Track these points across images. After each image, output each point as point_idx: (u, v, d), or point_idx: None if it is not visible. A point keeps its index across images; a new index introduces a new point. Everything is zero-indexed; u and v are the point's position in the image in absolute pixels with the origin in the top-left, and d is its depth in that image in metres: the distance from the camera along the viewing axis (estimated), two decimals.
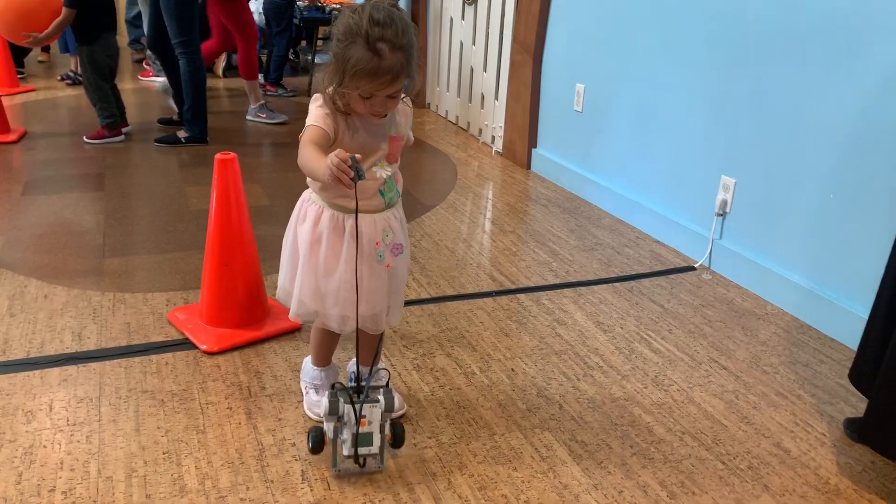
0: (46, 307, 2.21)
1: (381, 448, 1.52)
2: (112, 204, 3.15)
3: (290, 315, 1.61)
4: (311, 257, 1.54)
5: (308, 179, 1.52)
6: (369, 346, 1.68)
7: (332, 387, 1.50)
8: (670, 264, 2.79)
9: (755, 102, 2.52)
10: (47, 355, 1.96)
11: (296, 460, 1.60)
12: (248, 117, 4.78)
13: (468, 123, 4.70)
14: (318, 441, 1.53)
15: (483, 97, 4.43)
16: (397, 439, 1.57)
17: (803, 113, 2.34)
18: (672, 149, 2.94)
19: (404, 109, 1.55)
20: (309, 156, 1.36)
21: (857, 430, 1.73)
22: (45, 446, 1.60)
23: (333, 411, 1.46)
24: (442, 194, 3.49)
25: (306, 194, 1.58)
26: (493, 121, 4.31)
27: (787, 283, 2.44)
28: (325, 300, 1.56)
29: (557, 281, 2.61)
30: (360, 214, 1.43)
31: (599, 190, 3.37)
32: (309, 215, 1.54)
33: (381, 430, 1.50)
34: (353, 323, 1.54)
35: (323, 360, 1.77)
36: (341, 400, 1.46)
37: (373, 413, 1.47)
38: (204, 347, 2.01)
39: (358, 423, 1.46)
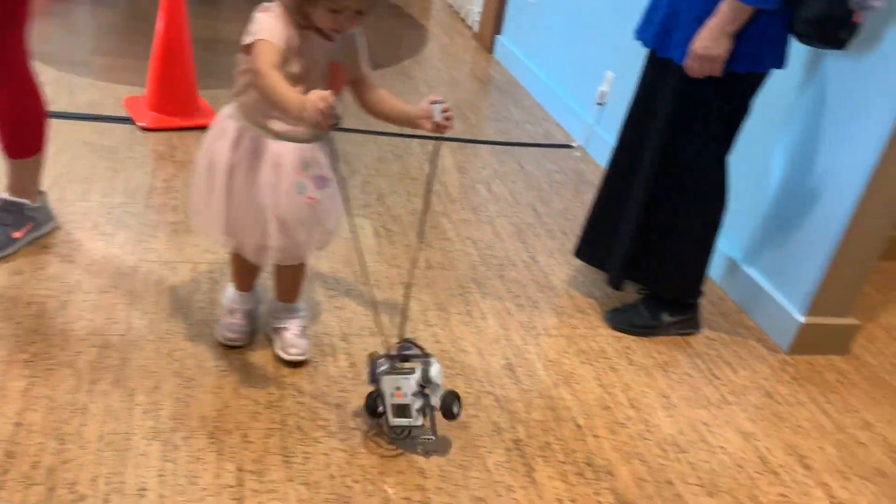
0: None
1: (430, 418, 1.50)
2: (118, 16, 3.77)
3: (209, 242, 1.63)
4: (227, 182, 1.48)
5: (237, 89, 1.47)
6: (289, 278, 1.70)
7: (371, 356, 1.53)
8: (555, 141, 3.30)
9: None
10: None
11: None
12: None
13: (461, 6, 5.13)
14: (373, 409, 1.52)
15: None
16: (447, 410, 1.49)
17: None
18: (582, 41, 3.39)
19: (351, 41, 1.50)
20: (280, 89, 1.29)
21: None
22: None
23: (372, 380, 1.50)
24: (397, 59, 4.00)
25: (227, 109, 1.51)
26: (476, 4, 4.74)
27: None
28: (240, 229, 1.53)
29: (451, 135, 3.15)
30: (282, 141, 1.43)
31: (532, 77, 3.85)
32: (228, 134, 1.47)
33: (424, 400, 1.47)
34: (269, 253, 1.54)
35: (244, 284, 1.72)
36: (377, 369, 1.49)
37: (407, 384, 1.45)
38: (141, 124, 2.66)
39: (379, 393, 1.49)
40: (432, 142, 3.13)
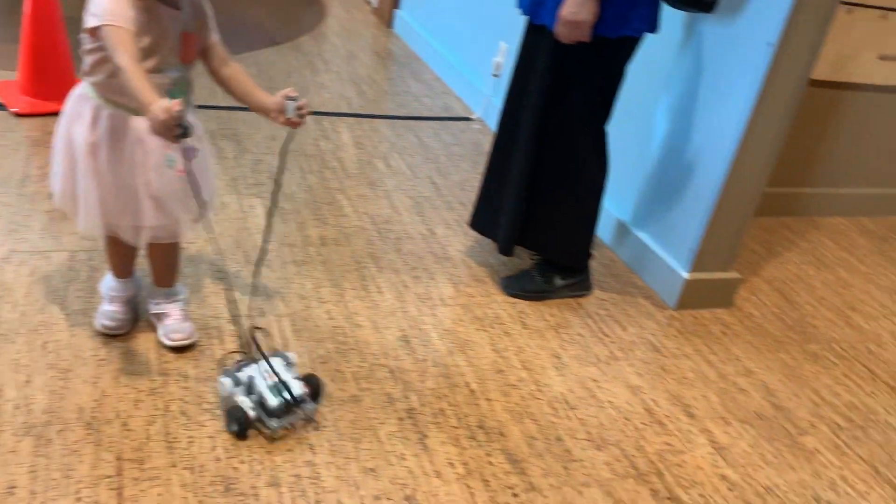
0: None
1: (309, 397, 1.51)
2: None
3: (81, 228, 1.50)
4: (91, 164, 1.41)
5: (85, 69, 1.42)
6: (163, 261, 1.66)
7: (225, 365, 1.53)
8: (453, 113, 3.31)
9: None
10: None
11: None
12: None
13: None
14: (241, 422, 1.44)
15: None
16: (315, 391, 1.54)
17: None
18: (478, 13, 3.39)
19: (199, 7, 1.44)
20: (138, 88, 1.21)
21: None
22: None
23: (238, 382, 1.46)
24: (294, 35, 3.92)
25: (80, 88, 1.44)
26: None
27: None
28: (113, 212, 1.47)
29: (347, 111, 3.12)
30: (142, 116, 1.28)
31: (431, 50, 3.84)
32: (84, 115, 1.40)
33: (295, 375, 1.50)
34: (146, 233, 1.50)
35: (121, 271, 1.66)
36: (235, 370, 1.47)
37: (275, 362, 1.47)
38: (13, 110, 2.52)
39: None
40: (325, 118, 3.12)
